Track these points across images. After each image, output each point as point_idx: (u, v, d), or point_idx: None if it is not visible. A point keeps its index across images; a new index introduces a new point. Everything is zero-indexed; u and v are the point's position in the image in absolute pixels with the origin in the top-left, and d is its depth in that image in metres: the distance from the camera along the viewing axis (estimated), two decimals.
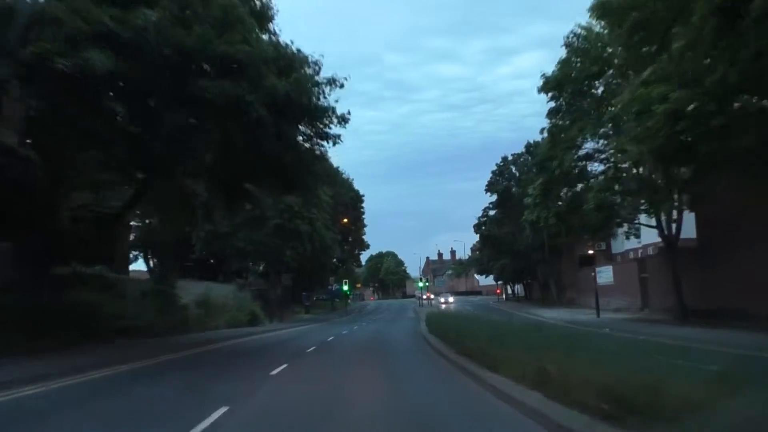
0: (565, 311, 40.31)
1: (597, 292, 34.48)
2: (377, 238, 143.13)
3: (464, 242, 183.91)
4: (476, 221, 58.40)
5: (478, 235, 59.74)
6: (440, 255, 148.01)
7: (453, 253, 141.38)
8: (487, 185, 52.90)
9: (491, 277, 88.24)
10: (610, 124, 23.77)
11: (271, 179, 18.19)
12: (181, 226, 27.48)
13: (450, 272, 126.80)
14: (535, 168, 30.73)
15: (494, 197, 53.66)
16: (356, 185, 66.74)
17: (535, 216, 29.30)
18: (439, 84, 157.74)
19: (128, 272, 31.81)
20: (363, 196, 66.17)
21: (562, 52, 25.84)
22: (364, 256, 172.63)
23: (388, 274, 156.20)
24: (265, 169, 17.33)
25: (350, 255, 70.12)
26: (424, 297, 67.72)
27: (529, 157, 51.37)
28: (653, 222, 27.01)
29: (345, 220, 63.77)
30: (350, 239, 69.87)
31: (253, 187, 20.06)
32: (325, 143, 17.19)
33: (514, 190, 51.98)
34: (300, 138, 17.14)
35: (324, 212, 46.59)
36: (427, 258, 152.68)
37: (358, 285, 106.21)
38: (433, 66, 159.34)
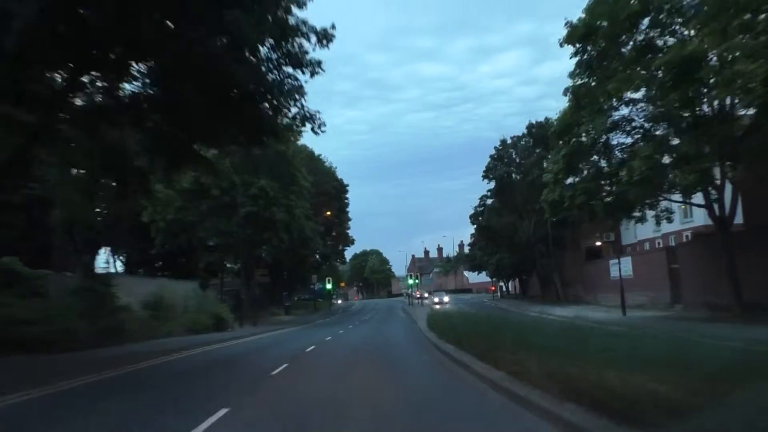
0: (578, 309, 35.57)
1: (622, 286, 29.68)
2: (360, 238, 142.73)
3: (452, 237, 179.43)
4: (473, 211, 53.57)
5: (475, 226, 54.77)
6: (426, 253, 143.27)
7: (440, 250, 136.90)
8: (484, 171, 48.00)
9: (483, 273, 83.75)
10: (659, 72, 18.78)
11: (226, 123, 12.79)
12: (113, 202, 21.93)
13: (437, 270, 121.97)
14: (552, 140, 25.70)
15: (492, 184, 48.70)
16: (339, 176, 61.34)
17: (557, 195, 24.27)
18: (420, 83, 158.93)
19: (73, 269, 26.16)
20: (347, 186, 60.83)
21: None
22: (348, 253, 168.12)
23: (372, 273, 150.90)
24: (218, 110, 12.05)
25: (334, 251, 64.77)
26: (417, 295, 62.80)
27: (531, 140, 46.58)
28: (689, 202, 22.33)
29: (328, 213, 58.47)
30: (333, 233, 64.50)
31: (203, 146, 14.70)
32: (300, 72, 11.95)
33: (514, 176, 47.09)
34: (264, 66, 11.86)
35: (304, 200, 41.22)
36: (413, 256, 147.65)
37: (342, 284, 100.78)
38: (414, 65, 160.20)
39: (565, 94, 23.84)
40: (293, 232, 36.89)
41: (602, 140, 23.44)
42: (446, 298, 64.56)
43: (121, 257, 41.43)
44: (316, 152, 57.02)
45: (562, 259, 48.07)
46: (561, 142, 24.42)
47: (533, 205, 46.89)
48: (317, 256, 55.88)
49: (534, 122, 46.04)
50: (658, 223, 27.23)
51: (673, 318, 24.33)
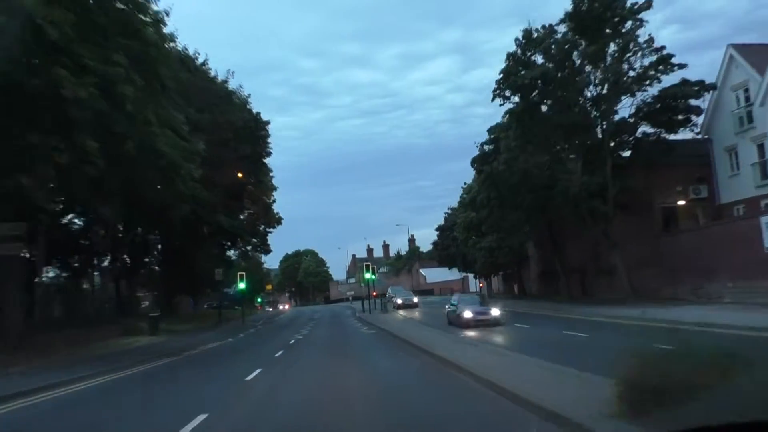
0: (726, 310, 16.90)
1: None
2: (293, 246, 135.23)
3: (406, 228, 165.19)
4: (477, 149, 33.93)
5: (478, 173, 34.49)
6: (370, 251, 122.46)
7: (386, 247, 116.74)
8: (498, 82, 28.37)
9: (450, 270, 64.53)
10: None
11: None
12: None
13: (385, 269, 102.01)
14: None
15: (508, 105, 29.07)
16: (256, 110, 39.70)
17: None
18: (352, 90, 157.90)
19: None
20: (268, 124, 39.07)
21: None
22: (279, 247, 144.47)
23: (307, 276, 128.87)
24: None
25: (251, 230, 43.10)
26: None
27: (572, 27, 27.46)
28: None
29: (239, 174, 37.11)
30: (251, 209, 43.05)
31: None
32: None
33: (553, 87, 27.74)
34: None
35: (168, 99, 19.99)
36: (353, 256, 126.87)
37: (269, 286, 78.66)
38: (345, 71, 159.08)
39: None
40: (126, 141, 15.49)
41: None
42: (415, 299, 44.69)
43: None
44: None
45: (627, 228, 29.14)
46: None
47: (588, 134, 27.93)
48: (217, 227, 34.19)
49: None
50: None
51: None
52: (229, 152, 32.79)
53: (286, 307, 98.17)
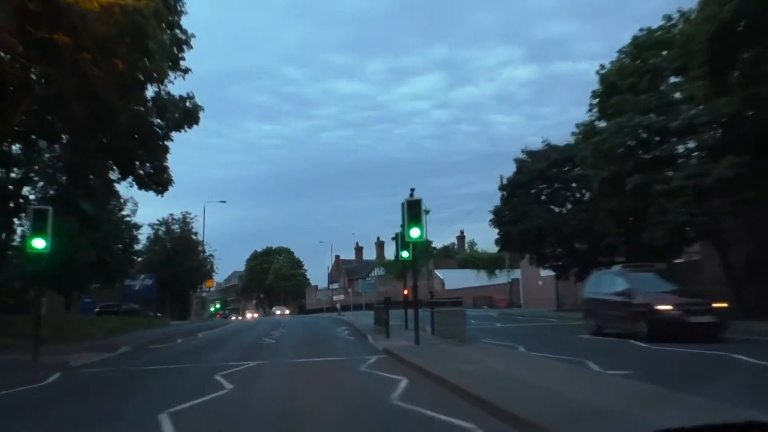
0: None
1: None
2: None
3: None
4: None
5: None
6: (359, 250, 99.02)
7: (380, 245, 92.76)
8: None
9: (478, 275, 41.18)
10: None
11: None
12: None
13: (380, 272, 78.82)
14: None
15: None
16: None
17: None
18: (338, 101, 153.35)
19: None
20: None
21: None
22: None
23: (279, 279, 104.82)
24: None
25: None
26: None
27: None
28: None
29: None
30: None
31: None
32: None
33: None
34: None
35: None
36: (337, 257, 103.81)
37: (209, 283, 54.69)
38: (332, 82, 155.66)
39: None
40: None
41: None
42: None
43: None
44: None
45: None
46: None
47: None
48: None
49: None
50: None
51: None
52: None
53: (255, 316, 74.54)
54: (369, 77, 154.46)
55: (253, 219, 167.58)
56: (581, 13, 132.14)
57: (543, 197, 28.54)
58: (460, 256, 67.97)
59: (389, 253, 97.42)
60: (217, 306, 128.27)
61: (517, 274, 50.52)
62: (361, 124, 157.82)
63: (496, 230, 30.62)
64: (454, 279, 57.92)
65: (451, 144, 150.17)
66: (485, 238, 74.66)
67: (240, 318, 66.17)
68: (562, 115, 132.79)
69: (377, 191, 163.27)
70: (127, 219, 35.46)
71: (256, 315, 78.09)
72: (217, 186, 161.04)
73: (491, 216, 30.48)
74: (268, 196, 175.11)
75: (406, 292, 19.00)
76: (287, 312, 73.75)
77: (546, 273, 49.53)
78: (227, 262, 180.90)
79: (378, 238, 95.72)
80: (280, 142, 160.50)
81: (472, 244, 72.35)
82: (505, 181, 30.52)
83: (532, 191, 28.75)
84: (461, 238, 78.33)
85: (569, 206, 28.35)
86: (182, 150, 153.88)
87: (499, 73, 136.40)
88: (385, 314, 17.41)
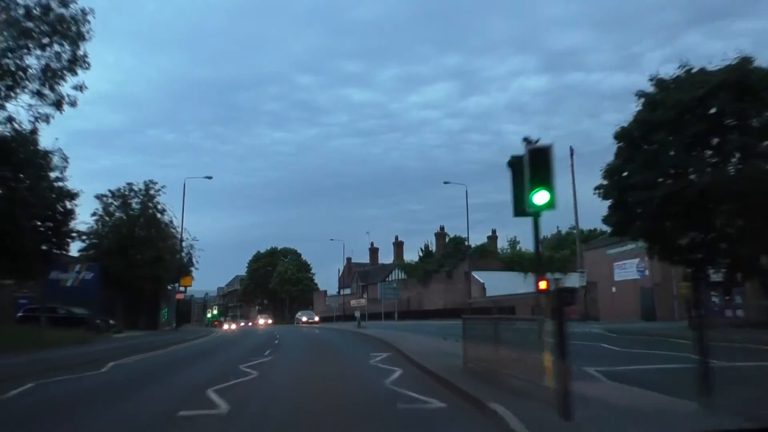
0: None
1: None
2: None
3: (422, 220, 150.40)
4: None
5: None
6: (374, 251, 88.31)
7: (399, 245, 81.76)
8: None
9: (526, 278, 31.30)
10: None
11: None
12: None
13: (401, 275, 68.02)
14: None
15: None
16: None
17: None
18: (349, 108, 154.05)
19: None
20: None
21: None
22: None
23: (283, 283, 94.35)
24: None
25: None
26: None
27: None
28: None
29: None
30: None
31: None
32: None
33: None
34: None
35: None
36: (348, 259, 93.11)
37: (187, 281, 44.08)
38: (343, 90, 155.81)
39: None
40: None
41: None
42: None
43: None
44: None
45: None
46: None
47: None
48: None
49: None
50: None
51: None
52: None
53: (262, 324, 64.65)
54: (380, 85, 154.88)
55: (261, 225, 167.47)
56: (595, 23, 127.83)
57: (698, 147, 17.99)
58: (503, 255, 57.22)
59: (411, 254, 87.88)
60: (215, 312, 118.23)
61: (571, 278, 40.11)
62: (371, 132, 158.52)
63: (608, 201, 20.05)
64: (497, 282, 47.10)
65: (462, 153, 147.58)
66: (522, 236, 63.95)
67: (226, 327, 55.81)
68: (574, 126, 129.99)
69: (388, 200, 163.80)
70: (57, 184, 25.18)
71: (263, 323, 67.89)
72: (226, 192, 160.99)
73: (601, 181, 19.90)
74: (276, 202, 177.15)
75: (544, 284, 8.52)
76: (317, 319, 63.24)
77: (623, 277, 38.93)
78: (231, 268, 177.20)
79: (396, 238, 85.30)
80: (291, 149, 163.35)
81: (514, 242, 61.48)
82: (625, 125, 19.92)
83: (673, 137, 18.19)
84: (492, 237, 67.67)
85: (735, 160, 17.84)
86: (194, 156, 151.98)
87: (511, 83, 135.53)
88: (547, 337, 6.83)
